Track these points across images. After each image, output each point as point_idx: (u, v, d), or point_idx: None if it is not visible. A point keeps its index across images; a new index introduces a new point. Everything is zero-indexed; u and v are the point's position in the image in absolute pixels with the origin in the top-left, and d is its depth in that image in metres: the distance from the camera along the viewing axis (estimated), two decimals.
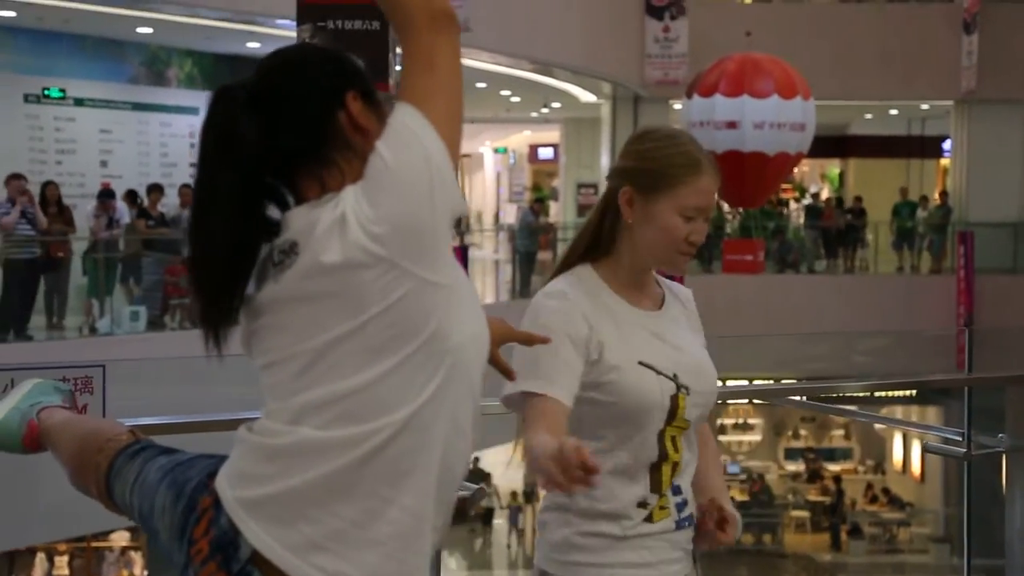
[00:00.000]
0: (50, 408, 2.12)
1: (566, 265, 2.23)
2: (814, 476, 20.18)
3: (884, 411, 18.20)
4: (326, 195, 1.64)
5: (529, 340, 2.04)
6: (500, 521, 18.28)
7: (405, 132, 1.60)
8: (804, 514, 19.26)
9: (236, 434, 1.68)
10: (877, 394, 17.73)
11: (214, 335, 1.68)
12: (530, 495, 18.60)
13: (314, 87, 1.69)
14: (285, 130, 1.67)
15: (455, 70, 1.67)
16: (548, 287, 2.18)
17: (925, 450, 3.59)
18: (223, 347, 1.69)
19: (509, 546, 18.17)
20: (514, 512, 18.14)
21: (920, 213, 19.71)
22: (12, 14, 12.53)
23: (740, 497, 19.33)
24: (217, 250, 1.65)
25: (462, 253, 13.45)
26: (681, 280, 2.32)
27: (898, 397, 18.41)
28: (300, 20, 9.68)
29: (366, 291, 1.57)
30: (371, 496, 1.59)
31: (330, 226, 1.59)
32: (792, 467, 20.96)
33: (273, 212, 1.69)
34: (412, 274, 1.57)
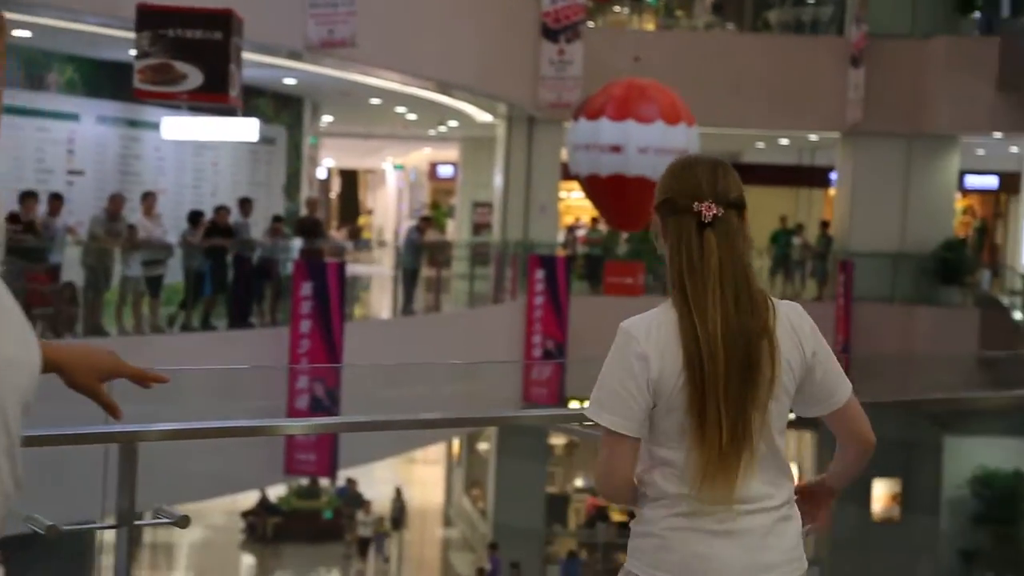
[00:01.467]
0: None
1: None
2: None
3: None
4: None
5: (143, 377, 2.04)
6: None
7: None
8: None
9: None
10: None
11: None
12: (398, 522, 18.46)
13: None
14: None
15: None
16: None
17: None
18: None
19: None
20: (380, 539, 17.91)
21: (796, 240, 20.10)
22: None
23: (619, 518, 19.47)
24: None
25: (338, 270, 13.41)
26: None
27: None
28: (139, 27, 9.58)
29: None
30: None
31: None
32: None
33: None
34: None
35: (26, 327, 1.57)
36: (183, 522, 2.53)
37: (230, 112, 12.44)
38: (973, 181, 24.06)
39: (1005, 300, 18.72)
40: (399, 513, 18.66)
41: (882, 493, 17.26)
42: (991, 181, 24.64)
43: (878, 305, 18.65)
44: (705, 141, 17.47)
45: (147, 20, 8.33)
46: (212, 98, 10.36)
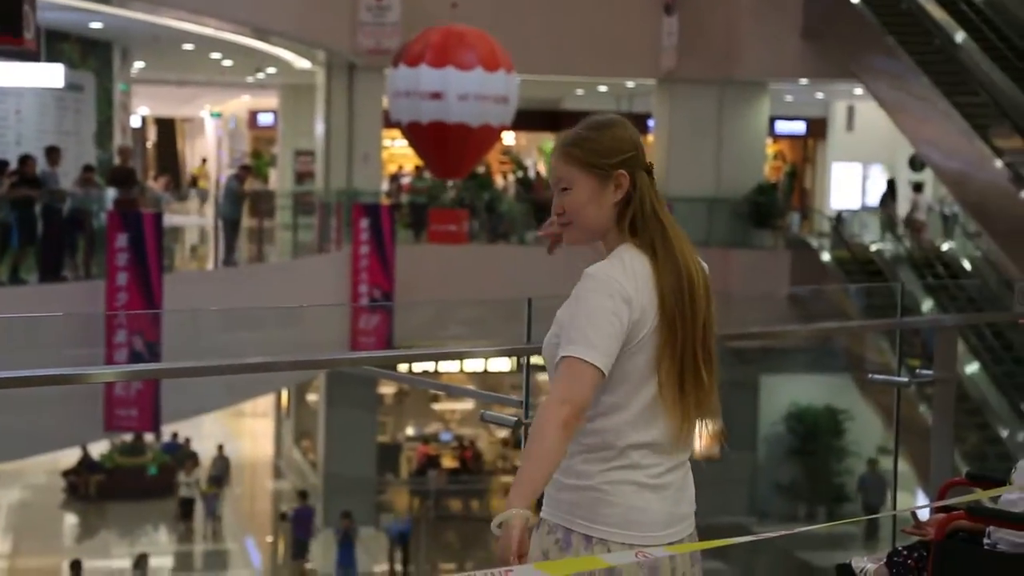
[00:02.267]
0: None
1: None
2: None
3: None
4: None
5: None
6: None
7: None
8: (511, 480, 19.79)
9: None
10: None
11: None
12: (220, 480, 18.10)
13: None
14: None
15: None
16: None
17: (482, 419, 3.71)
18: None
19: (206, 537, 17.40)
20: (210, 500, 17.33)
21: None
22: None
23: (451, 464, 19.68)
24: None
25: (155, 220, 13.06)
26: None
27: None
28: None
29: None
30: None
31: None
32: (503, 433, 21.48)
33: None
34: None
35: None
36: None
37: (31, 57, 11.90)
38: (782, 127, 24.90)
39: (814, 242, 19.48)
40: (222, 471, 18.28)
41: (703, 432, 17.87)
42: (799, 127, 25.56)
43: (697, 249, 19.22)
44: (525, 88, 17.60)
45: None
46: (4, 40, 9.88)
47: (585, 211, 2.40)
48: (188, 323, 12.50)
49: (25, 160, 12.55)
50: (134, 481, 17.59)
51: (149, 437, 18.23)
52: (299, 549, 16.13)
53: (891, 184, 21.45)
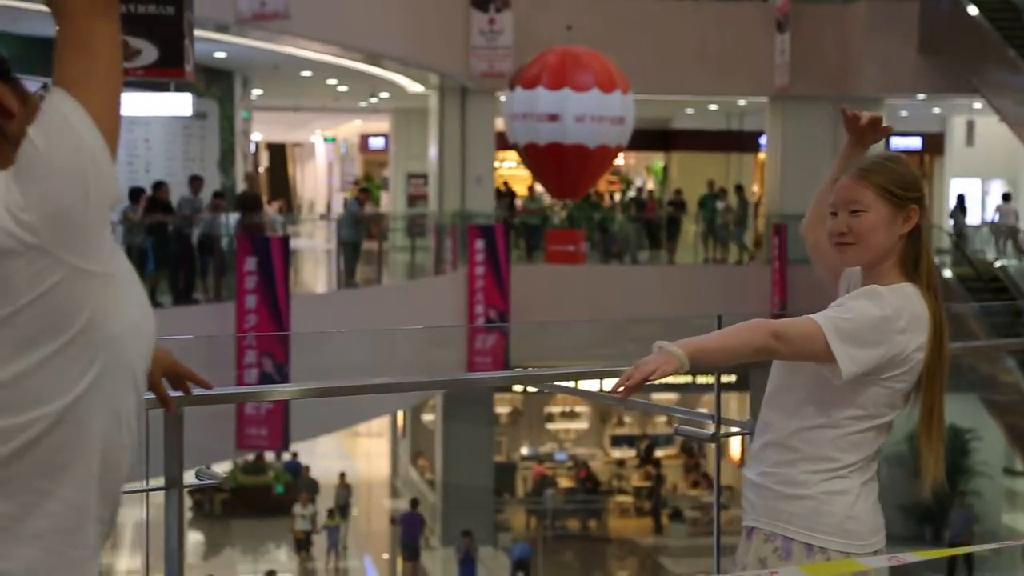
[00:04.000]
0: None
1: None
2: (647, 460, 20.58)
3: (705, 398, 18.80)
4: None
5: (192, 379, 2.24)
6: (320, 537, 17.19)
7: (57, 118, 1.55)
8: (628, 499, 19.72)
9: None
10: (699, 380, 18.32)
11: None
12: (345, 510, 17.94)
13: None
14: None
15: (114, 56, 1.61)
16: None
17: (676, 433, 3.71)
18: None
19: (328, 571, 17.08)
20: (332, 533, 16.92)
21: (719, 204, 20.37)
22: None
23: (566, 484, 19.71)
24: None
25: (282, 244, 13.34)
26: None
27: (709, 385, 18.99)
28: None
29: (15, 280, 1.53)
30: (27, 490, 1.56)
31: None
32: (617, 454, 21.44)
33: None
34: (64, 262, 1.54)
35: (143, 292, 1.67)
36: (227, 483, 2.58)
37: (186, 88, 12.31)
38: (898, 142, 24.53)
39: (935, 259, 19.15)
40: (345, 500, 18.08)
41: None
42: (915, 142, 25.15)
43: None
44: (635, 108, 17.63)
45: None
46: (168, 73, 10.28)
47: (874, 236, 2.45)
48: (314, 344, 12.73)
49: (159, 187, 12.95)
50: (258, 499, 17.90)
51: (269, 456, 18.53)
52: (409, 552, 16.30)
53: (960, 199, 20.98)
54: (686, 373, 2.27)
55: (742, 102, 22.11)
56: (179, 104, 15.91)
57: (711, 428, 3.29)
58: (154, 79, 10.70)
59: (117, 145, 1.61)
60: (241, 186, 17.80)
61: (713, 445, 3.37)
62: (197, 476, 2.74)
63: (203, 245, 13.20)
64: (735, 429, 3.30)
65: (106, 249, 1.58)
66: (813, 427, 2.40)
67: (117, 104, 1.60)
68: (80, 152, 1.54)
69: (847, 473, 2.41)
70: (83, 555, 1.62)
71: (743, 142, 24.09)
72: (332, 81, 20.16)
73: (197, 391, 2.31)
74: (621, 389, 2.21)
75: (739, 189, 21.09)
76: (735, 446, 20.64)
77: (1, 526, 1.56)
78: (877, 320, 2.34)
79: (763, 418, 2.51)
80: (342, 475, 18.58)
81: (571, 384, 4.75)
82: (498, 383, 16.53)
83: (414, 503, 17.02)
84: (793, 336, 2.32)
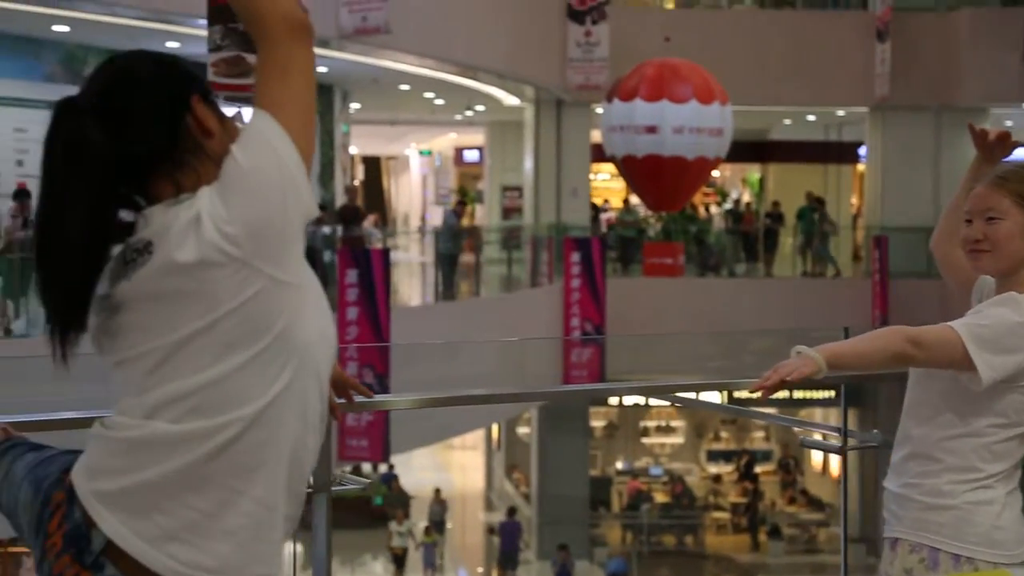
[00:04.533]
0: None
1: None
2: (745, 475, 20.33)
3: (803, 413, 18.52)
4: (182, 195, 1.69)
5: (356, 388, 2.31)
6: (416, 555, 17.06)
7: (259, 138, 1.65)
8: (725, 516, 19.49)
9: (90, 430, 1.73)
10: (796, 395, 18.05)
11: (61, 336, 1.71)
12: (441, 525, 17.88)
13: (162, 93, 1.73)
14: (135, 136, 1.70)
15: (309, 79, 1.71)
16: None
17: (802, 445, 3.66)
18: (71, 348, 1.72)
19: None
20: (428, 549, 16.83)
21: (815, 217, 20.05)
22: None
23: (662, 499, 19.55)
24: (68, 256, 1.68)
25: (383, 256, 13.44)
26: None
27: (818, 399, 18.72)
28: (211, 21, 9.66)
29: (219, 289, 1.62)
30: (223, 488, 1.65)
31: (185, 225, 1.64)
32: (714, 469, 21.21)
33: (124, 213, 1.73)
34: (263, 273, 1.63)
35: (327, 302, 1.77)
36: (373, 488, 2.61)
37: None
38: None
39: None
40: (440, 516, 18.00)
41: None
42: (1021, 152, 24.55)
43: (914, 280, 18.62)
44: (733, 119, 17.47)
45: (218, 15, 8.37)
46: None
47: (1010, 243, 2.45)
48: (413, 356, 12.79)
49: None
50: (358, 510, 18.01)
51: (365, 467, 18.65)
52: (507, 561, 16.27)
53: None
54: (821, 379, 2.28)
55: (841, 112, 21.79)
56: None
57: (837, 440, 3.27)
58: None
59: (312, 162, 1.70)
60: (340, 199, 17.99)
61: (837, 458, 3.34)
62: (340, 482, 2.79)
63: (307, 258, 13.33)
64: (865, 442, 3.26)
65: (299, 261, 1.70)
66: (954, 436, 2.41)
67: (312, 124, 1.71)
68: (279, 169, 1.64)
69: (992, 483, 2.41)
70: (271, 551, 1.70)
71: (842, 153, 23.73)
72: (429, 94, 20.31)
73: (357, 398, 2.36)
74: (759, 391, 2.25)
75: (819, 202, 20.74)
76: (833, 462, 20.31)
77: (197, 521, 1.64)
78: (1016, 326, 2.34)
79: (903, 429, 2.51)
80: (437, 491, 18.60)
81: (692, 396, 4.70)
82: (605, 394, 16.53)
83: (511, 511, 17.02)
84: (931, 342, 2.33)
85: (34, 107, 14.18)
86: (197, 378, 1.63)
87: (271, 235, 1.63)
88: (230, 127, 1.74)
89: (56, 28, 13.54)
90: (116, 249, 1.72)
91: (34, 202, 10.93)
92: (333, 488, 2.68)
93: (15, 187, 12.56)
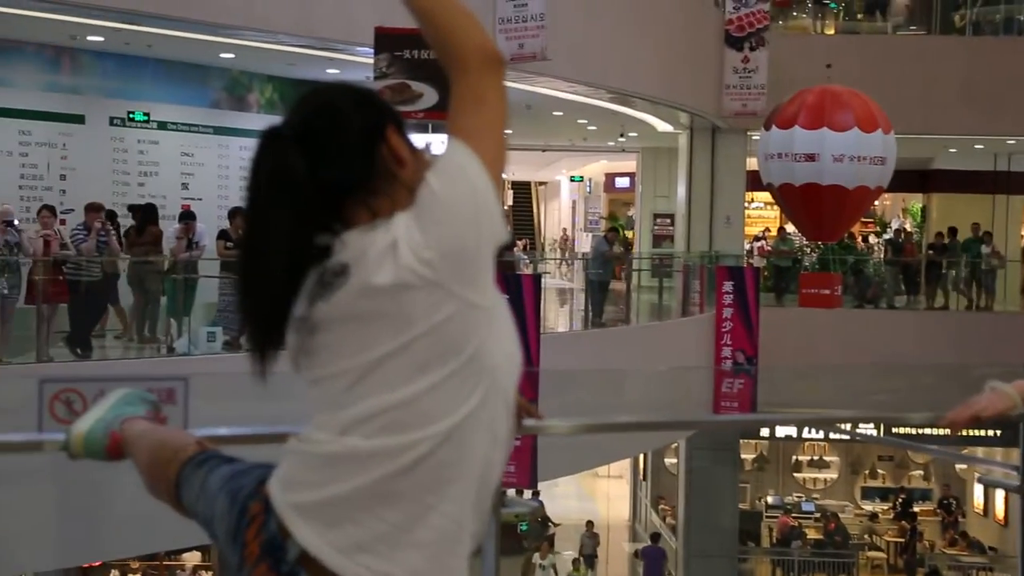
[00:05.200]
0: (132, 419, 2.26)
1: None
2: (903, 514, 19.65)
3: (966, 450, 17.81)
4: (377, 221, 1.76)
5: (528, 411, 2.32)
6: None
7: (454, 166, 1.72)
8: (880, 555, 18.85)
9: (286, 445, 1.82)
10: (961, 432, 17.37)
11: (261, 356, 1.81)
12: (592, 560, 17.62)
13: (361, 124, 1.81)
14: (334, 164, 1.78)
15: (502, 110, 1.78)
16: None
17: (979, 482, 3.54)
18: (269, 366, 1.81)
19: None
20: None
21: (984, 249, 19.27)
22: (100, 39, 12.81)
23: (814, 535, 19.01)
24: (269, 277, 1.78)
25: (534, 282, 13.42)
26: None
27: (981, 437, 18.00)
28: (378, 49, 9.81)
29: (414, 311, 1.69)
30: (414, 502, 1.71)
31: (382, 250, 1.71)
32: (869, 506, 20.56)
33: (321, 238, 1.80)
34: (457, 296, 1.69)
35: (514, 324, 1.80)
36: (538, 511, 2.59)
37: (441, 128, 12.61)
38: None
39: None
40: (592, 550, 17.72)
41: None
42: None
43: None
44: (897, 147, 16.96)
45: (384, 43, 8.56)
46: (446, 115, 10.53)
47: None
48: (560, 382, 12.71)
49: None
50: (504, 535, 18.00)
51: (509, 492, 18.62)
52: None
53: None
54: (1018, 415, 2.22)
55: (1011, 141, 20.98)
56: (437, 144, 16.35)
57: (1015, 479, 3.14)
58: (434, 121, 11.01)
59: (502, 187, 1.77)
60: None
61: (1002, 501, 3.19)
62: (508, 504, 2.79)
63: None
64: None
65: (490, 285, 1.74)
66: None
67: (503, 152, 1.77)
68: (473, 196, 1.71)
69: None
70: (458, 565, 1.75)
71: (1011, 183, 22.84)
72: (582, 120, 20.30)
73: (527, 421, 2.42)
74: (949, 426, 2.27)
75: (987, 235, 19.93)
76: (999, 504, 19.46)
77: (388, 534, 1.71)
78: None
79: None
80: (589, 523, 18.40)
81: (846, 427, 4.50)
82: (760, 425, 16.17)
83: (655, 537, 16.75)
84: None
85: (200, 132, 14.66)
86: (390, 396, 1.70)
87: (464, 260, 1.69)
88: (420, 157, 1.81)
89: (223, 56, 13.97)
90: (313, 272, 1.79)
91: (199, 224, 11.32)
92: (502, 509, 2.69)
93: (180, 209, 12.96)
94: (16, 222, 11.05)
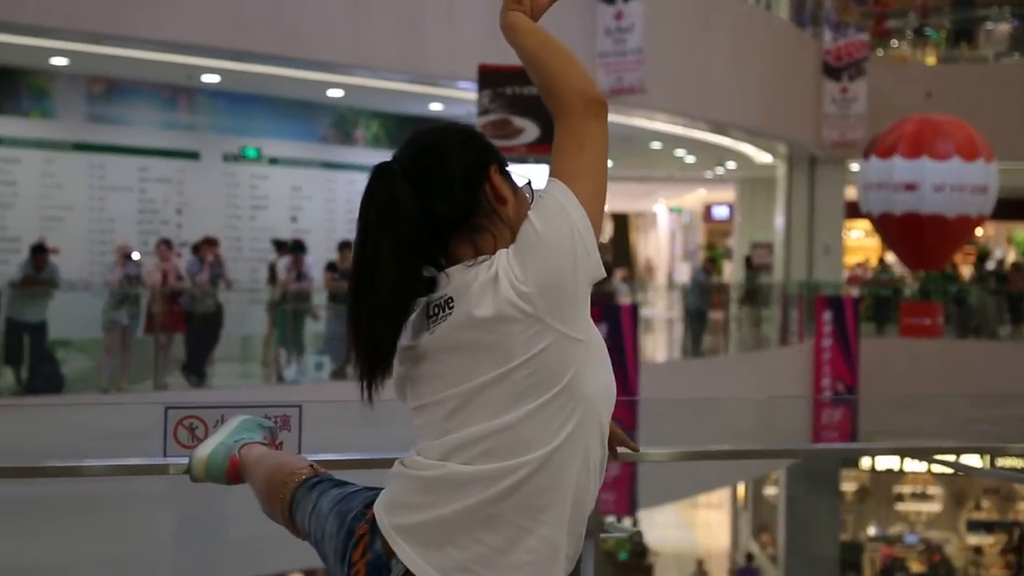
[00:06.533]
0: (250, 444, 2.37)
1: None
2: (1010, 549, 19.23)
3: None
4: (480, 257, 1.85)
5: (624, 443, 2.22)
6: None
7: (555, 206, 1.79)
8: None
9: (391, 469, 1.91)
10: None
11: (368, 383, 1.89)
12: None
13: (466, 162, 1.89)
14: (440, 201, 1.86)
15: (602, 152, 1.86)
16: None
17: None
18: (376, 394, 1.90)
19: None
20: None
21: None
22: (216, 79, 13.33)
23: (917, 568, 18.74)
24: (379, 309, 1.84)
25: (632, 312, 13.58)
26: None
27: None
28: (481, 86, 10.11)
29: (513, 343, 1.77)
30: (512, 526, 1.78)
31: (484, 284, 1.79)
32: (974, 539, 20.18)
33: (426, 271, 1.90)
34: (554, 329, 1.76)
35: (608, 356, 1.90)
36: (637, 535, 2.70)
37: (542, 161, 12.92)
38: None
39: None
40: None
41: None
42: None
43: None
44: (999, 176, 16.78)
45: (488, 79, 8.85)
46: (549, 150, 10.83)
47: None
48: (658, 411, 12.81)
49: None
50: (606, 564, 18.07)
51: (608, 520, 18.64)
52: None
53: None
54: None
55: None
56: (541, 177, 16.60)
57: None
58: (536, 155, 11.28)
59: (601, 228, 1.85)
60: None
61: None
62: (606, 529, 2.89)
63: None
64: None
65: (586, 319, 1.82)
66: None
67: (603, 193, 1.85)
68: (571, 235, 1.78)
69: None
70: None
71: None
72: (680, 152, 20.43)
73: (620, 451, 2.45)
74: None
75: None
76: None
77: (487, 555, 1.78)
78: None
79: None
80: (699, 562, 18.29)
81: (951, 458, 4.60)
82: (859, 454, 16.04)
83: (749, 557, 16.63)
84: None
85: (308, 167, 15.12)
86: (490, 424, 1.78)
87: (562, 295, 1.76)
88: (521, 195, 1.90)
89: (331, 93, 14.42)
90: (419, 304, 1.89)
91: (308, 257, 11.71)
92: (600, 535, 2.80)
93: (290, 242, 13.38)
94: (136, 256, 11.55)
